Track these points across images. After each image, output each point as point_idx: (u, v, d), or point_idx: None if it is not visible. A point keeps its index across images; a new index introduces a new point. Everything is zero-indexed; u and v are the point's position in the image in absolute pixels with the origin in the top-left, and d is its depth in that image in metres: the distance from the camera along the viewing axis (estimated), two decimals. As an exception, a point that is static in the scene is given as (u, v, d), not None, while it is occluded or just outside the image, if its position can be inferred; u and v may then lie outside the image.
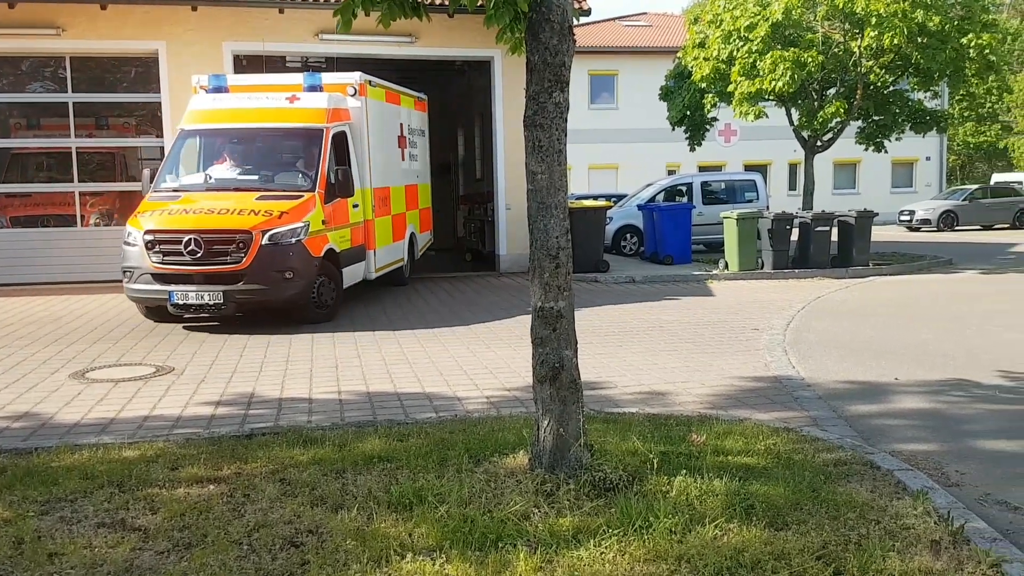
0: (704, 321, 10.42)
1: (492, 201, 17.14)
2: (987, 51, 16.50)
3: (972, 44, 16.35)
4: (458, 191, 22.40)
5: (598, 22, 38.51)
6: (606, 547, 3.51)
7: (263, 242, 9.73)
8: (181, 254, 9.69)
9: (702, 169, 31.10)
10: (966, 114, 27.77)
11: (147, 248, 9.80)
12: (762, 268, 15.62)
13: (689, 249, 17.40)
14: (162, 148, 15.25)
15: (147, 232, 9.85)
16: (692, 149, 23.21)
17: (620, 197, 23.34)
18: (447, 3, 5.20)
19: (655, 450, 4.63)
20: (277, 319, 10.23)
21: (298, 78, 11.81)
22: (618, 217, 19.94)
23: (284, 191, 10.61)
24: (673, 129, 23.33)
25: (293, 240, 9.95)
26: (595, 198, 20.00)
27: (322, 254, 10.38)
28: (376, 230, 12.13)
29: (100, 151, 15.95)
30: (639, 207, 19.29)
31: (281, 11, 15.20)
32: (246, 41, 15.49)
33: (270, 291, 9.85)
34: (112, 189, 15.72)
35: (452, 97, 21.97)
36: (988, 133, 50.27)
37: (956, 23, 16.56)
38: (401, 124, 14.24)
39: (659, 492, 4.08)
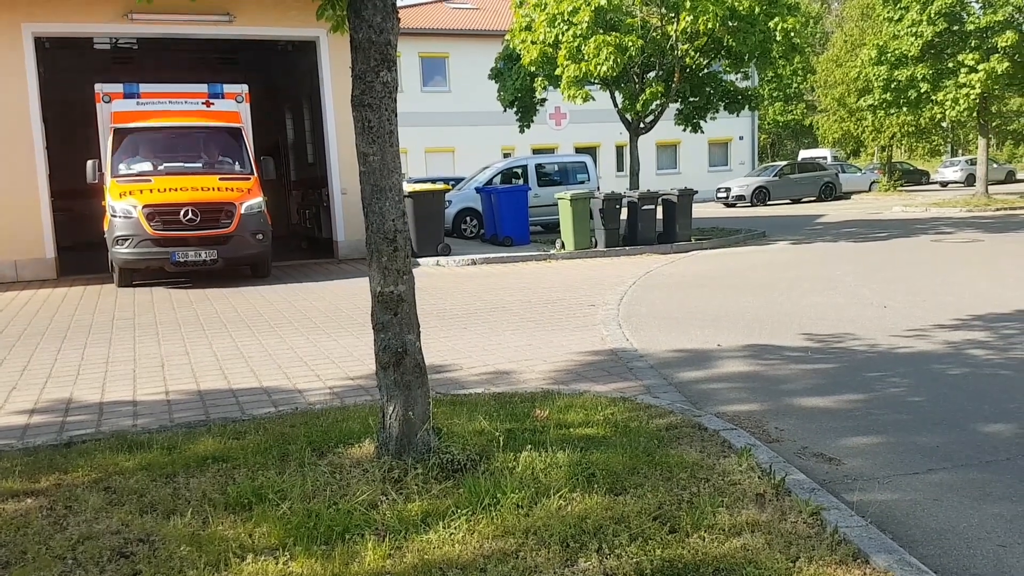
0: (544, 300, 10.65)
1: (327, 186, 16.74)
2: (792, 34, 17.69)
3: (778, 27, 17.50)
4: (289, 176, 21.72)
5: (426, 3, 38.31)
6: (455, 528, 3.52)
7: (242, 211, 12.77)
8: (180, 222, 12.35)
9: (535, 152, 31.73)
10: (775, 94, 29.94)
11: (147, 219, 12.24)
12: (596, 246, 16.15)
13: (527, 230, 17.72)
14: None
15: (146, 206, 12.31)
16: (522, 131, 23.56)
17: (458, 180, 23.42)
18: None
19: (501, 428, 4.68)
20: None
21: (202, 87, 14.43)
22: (457, 200, 20.00)
23: (235, 174, 13.48)
24: (505, 111, 23.60)
25: (259, 210, 13.07)
26: (433, 181, 19.96)
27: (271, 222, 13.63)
28: None
29: None
30: (477, 190, 19.44)
31: (86, -11, 14.15)
32: (48, 22, 14.34)
33: (249, 248, 13.00)
34: None
35: (278, 78, 21.21)
36: (795, 112, 54.32)
37: (763, 7, 17.65)
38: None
39: (506, 469, 4.13)
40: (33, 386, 6.77)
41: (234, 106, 14.40)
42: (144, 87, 14.23)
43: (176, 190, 12.64)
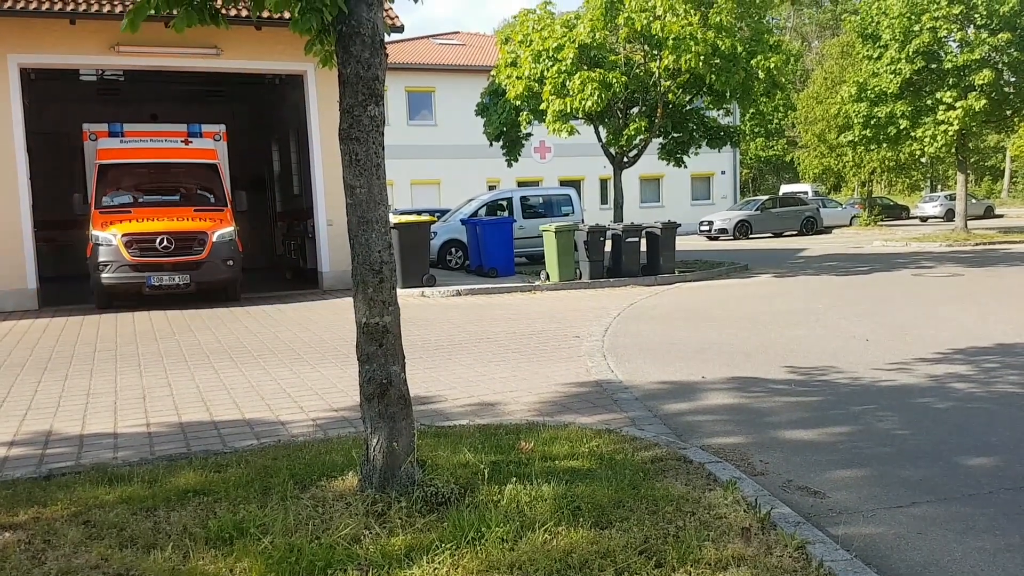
0: (529, 331, 10.65)
1: (312, 217, 16.77)
2: (774, 71, 17.95)
3: (760, 65, 17.77)
4: (275, 207, 21.74)
5: (412, 40, 38.71)
6: (439, 562, 3.49)
7: (214, 240, 13.91)
8: (155, 250, 13.53)
9: (520, 184, 31.92)
10: (756, 130, 30.32)
11: (125, 247, 13.42)
12: (580, 278, 16.20)
13: (512, 261, 17.77)
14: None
15: (125, 235, 13.49)
16: (510, 165, 23.74)
17: (444, 212, 23.51)
18: (252, 16, 5.03)
19: (486, 460, 4.66)
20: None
21: (181, 127, 15.70)
22: (443, 232, 20.07)
23: (209, 206, 14.60)
24: (491, 145, 23.77)
25: (230, 239, 14.17)
26: (419, 213, 20.03)
27: (242, 250, 14.73)
28: None
29: None
30: (463, 221, 19.51)
31: (72, 22, 14.21)
32: (35, 54, 14.38)
33: (220, 273, 14.06)
34: None
35: (264, 111, 21.32)
36: (776, 147, 55.01)
37: (745, 46, 17.93)
38: None
39: (491, 502, 4.10)
40: (12, 418, 6.69)
41: (211, 144, 15.72)
42: (128, 126, 15.50)
43: (153, 220, 13.88)
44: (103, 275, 13.52)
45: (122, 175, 14.82)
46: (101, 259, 13.52)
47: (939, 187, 53.86)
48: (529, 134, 22.58)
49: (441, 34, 42.56)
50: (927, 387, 7.02)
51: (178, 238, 13.71)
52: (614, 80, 17.29)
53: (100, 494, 4.46)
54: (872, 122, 25.96)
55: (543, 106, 18.36)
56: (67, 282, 18.22)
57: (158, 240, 13.60)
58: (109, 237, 13.52)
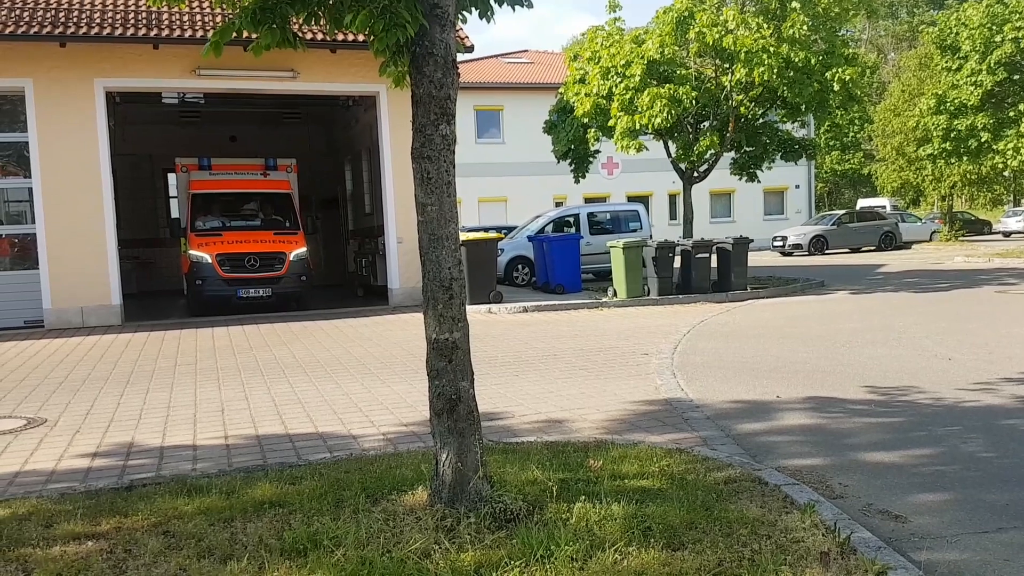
0: (597, 347, 10.59)
1: (383, 235, 17.06)
2: (850, 83, 17.53)
3: (836, 78, 17.37)
4: (347, 226, 22.16)
5: (481, 59, 39.11)
6: (508, 579, 3.48)
7: (291, 259, 16.22)
8: (244, 267, 15.87)
9: (587, 200, 31.84)
10: (832, 143, 29.74)
11: (219, 264, 15.73)
12: (648, 295, 16.05)
13: (579, 278, 17.70)
14: (30, 190, 14.51)
15: (219, 255, 15.82)
16: (577, 181, 23.71)
17: (510, 229, 23.60)
18: (327, 39, 5.16)
19: (554, 478, 4.64)
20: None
21: (259, 160, 17.78)
22: (509, 248, 20.13)
23: (285, 230, 16.87)
24: (558, 162, 23.79)
25: (303, 258, 16.45)
26: (486, 230, 20.16)
27: (313, 268, 17.04)
28: None
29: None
30: (529, 238, 19.55)
31: (156, 47, 14.76)
32: (119, 77, 14.98)
33: (295, 287, 16.31)
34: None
35: (338, 131, 21.81)
36: (852, 161, 53.73)
37: (820, 59, 17.55)
38: None
39: (559, 520, 4.08)
40: (96, 430, 6.94)
41: (285, 176, 17.76)
42: (214, 160, 17.55)
43: (241, 242, 16.16)
44: (201, 288, 15.77)
45: (212, 203, 17.14)
46: (199, 274, 15.76)
47: (1023, 201, 51.77)
48: (597, 151, 22.51)
49: (510, 53, 42.92)
50: (1013, 408, 6.72)
51: (263, 258, 16.04)
52: (684, 95, 17.11)
53: (179, 505, 4.59)
54: (952, 135, 25.18)
55: (611, 123, 18.28)
56: (149, 298, 18.91)
57: (247, 259, 15.90)
58: (206, 256, 15.78)
